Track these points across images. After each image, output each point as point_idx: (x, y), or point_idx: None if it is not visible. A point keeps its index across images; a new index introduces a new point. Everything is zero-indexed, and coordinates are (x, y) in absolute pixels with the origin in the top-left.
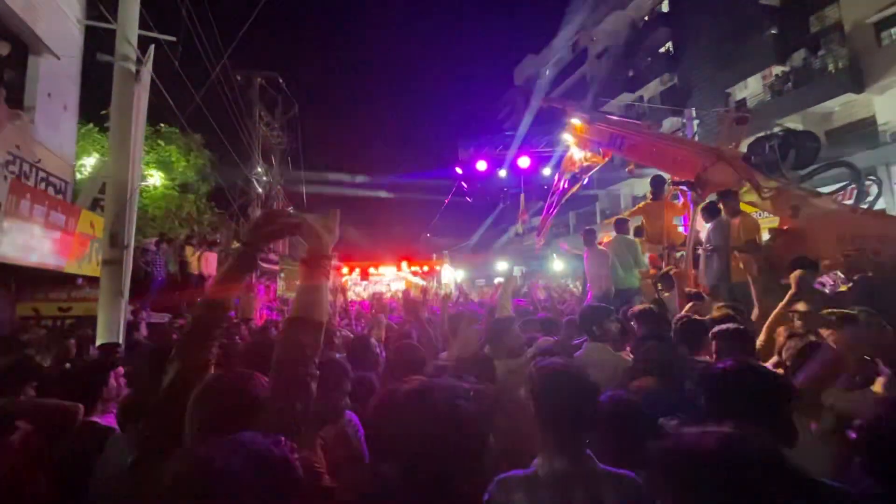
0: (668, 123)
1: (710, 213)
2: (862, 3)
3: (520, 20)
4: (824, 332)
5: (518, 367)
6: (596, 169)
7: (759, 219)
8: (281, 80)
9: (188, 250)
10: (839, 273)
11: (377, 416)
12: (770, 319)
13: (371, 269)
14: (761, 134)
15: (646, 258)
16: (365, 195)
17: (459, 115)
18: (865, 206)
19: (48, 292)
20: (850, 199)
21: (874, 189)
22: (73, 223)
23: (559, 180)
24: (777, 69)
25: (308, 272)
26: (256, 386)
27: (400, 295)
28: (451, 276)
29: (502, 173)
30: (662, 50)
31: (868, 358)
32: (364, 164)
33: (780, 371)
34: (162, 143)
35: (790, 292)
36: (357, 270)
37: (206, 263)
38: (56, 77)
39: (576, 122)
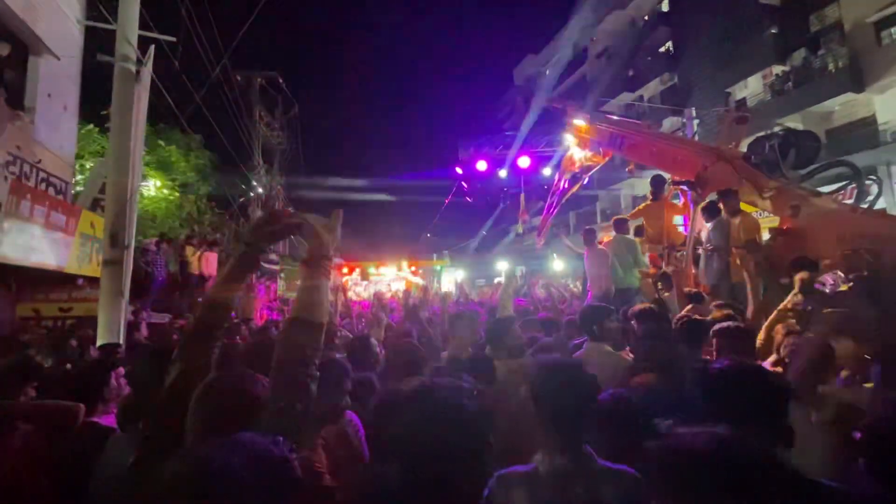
0: (669, 123)
1: (711, 212)
2: (862, 3)
3: (520, 20)
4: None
5: (518, 367)
6: (596, 169)
7: (760, 218)
8: (281, 80)
9: (188, 250)
10: (839, 273)
11: (378, 416)
12: (770, 319)
13: (371, 269)
14: (761, 133)
15: (646, 258)
16: (365, 199)
17: (459, 114)
18: (866, 206)
19: (49, 293)
20: (850, 198)
21: (874, 188)
22: (74, 223)
23: (559, 180)
24: (777, 69)
25: (308, 272)
26: (257, 386)
27: (400, 295)
28: (452, 276)
29: (502, 173)
30: (662, 49)
31: (868, 357)
32: (364, 164)
33: (780, 369)
34: (162, 143)
35: (792, 292)
36: (357, 270)
37: (207, 263)
38: (56, 77)
39: (576, 122)
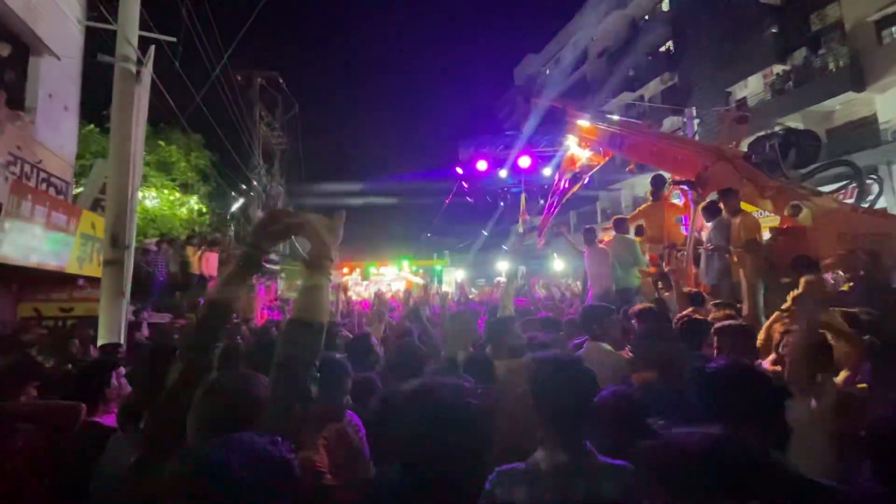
0: (669, 123)
1: (711, 212)
2: (863, 2)
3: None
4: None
5: (519, 366)
6: (596, 168)
7: (760, 218)
8: (281, 80)
9: (189, 250)
10: (840, 273)
11: (379, 415)
12: (771, 319)
13: (372, 269)
14: (762, 133)
15: (646, 258)
16: (366, 203)
17: (460, 114)
18: (866, 205)
19: (50, 293)
20: (850, 197)
21: (875, 188)
22: (75, 224)
23: (560, 180)
24: (778, 68)
25: (310, 273)
26: (258, 387)
27: (401, 294)
28: (452, 276)
29: (503, 173)
30: (663, 49)
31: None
32: (364, 164)
33: (779, 367)
34: (162, 143)
35: (794, 293)
36: (358, 270)
37: (207, 263)
38: (57, 78)
39: (577, 121)
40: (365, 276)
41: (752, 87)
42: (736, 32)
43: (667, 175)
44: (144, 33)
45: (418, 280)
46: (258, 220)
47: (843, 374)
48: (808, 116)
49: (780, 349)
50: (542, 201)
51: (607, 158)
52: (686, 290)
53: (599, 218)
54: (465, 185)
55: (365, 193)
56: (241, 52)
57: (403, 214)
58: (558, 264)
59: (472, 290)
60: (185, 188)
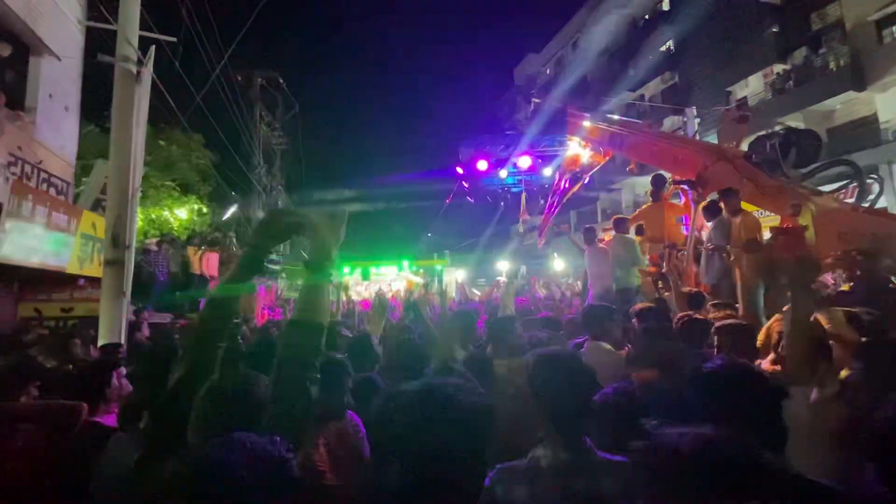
0: (669, 122)
1: (712, 211)
2: (863, 1)
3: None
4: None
5: (519, 366)
6: (597, 168)
7: (761, 217)
8: (281, 80)
9: (190, 250)
10: (840, 273)
11: (380, 415)
12: (772, 320)
13: (372, 269)
14: (762, 132)
15: (646, 258)
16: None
17: (460, 114)
18: (867, 205)
19: (50, 293)
20: (851, 197)
21: (875, 187)
22: (75, 224)
23: (560, 180)
24: (778, 67)
25: (310, 273)
26: (260, 387)
27: (401, 294)
28: (452, 275)
29: (503, 173)
30: (663, 48)
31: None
32: (365, 164)
33: (778, 367)
34: (163, 143)
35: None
36: (358, 270)
37: (208, 263)
38: (57, 78)
39: (577, 121)
40: (365, 276)
41: (752, 87)
42: (736, 32)
43: (667, 175)
44: (145, 33)
45: (419, 280)
46: (261, 219)
47: (844, 373)
48: (808, 116)
49: (779, 349)
50: (542, 201)
51: (607, 158)
52: (686, 290)
53: (600, 218)
54: (466, 185)
55: (362, 199)
56: (241, 52)
57: (404, 214)
58: (558, 264)
59: (475, 291)
60: (186, 188)
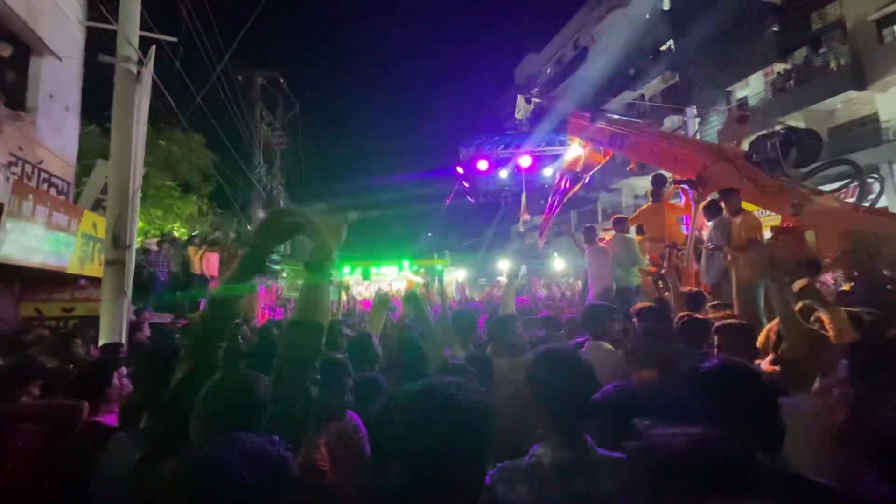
0: (670, 122)
1: (712, 211)
2: (863, 1)
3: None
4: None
5: (520, 365)
6: (597, 168)
7: (761, 217)
8: (282, 80)
9: (190, 250)
10: (840, 273)
11: (381, 415)
12: (771, 323)
13: (373, 268)
14: (763, 132)
15: (646, 258)
16: (367, 205)
17: (460, 114)
18: (868, 204)
19: (51, 293)
20: (852, 196)
21: (876, 187)
22: (76, 224)
23: (561, 180)
24: (779, 67)
25: (311, 274)
26: (261, 387)
27: (402, 294)
28: (453, 275)
29: (503, 173)
30: (663, 48)
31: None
32: (365, 164)
33: (777, 367)
34: (163, 143)
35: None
36: (359, 270)
37: (208, 263)
38: (58, 78)
39: (577, 121)
40: (365, 276)
41: (753, 86)
42: (737, 31)
43: (667, 174)
44: (145, 33)
45: (419, 280)
46: (262, 219)
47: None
48: (809, 115)
49: (778, 350)
50: (542, 201)
51: (608, 158)
52: (686, 290)
53: (600, 217)
54: (466, 185)
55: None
56: (241, 52)
57: (404, 214)
58: (559, 264)
59: (474, 292)
60: (187, 188)
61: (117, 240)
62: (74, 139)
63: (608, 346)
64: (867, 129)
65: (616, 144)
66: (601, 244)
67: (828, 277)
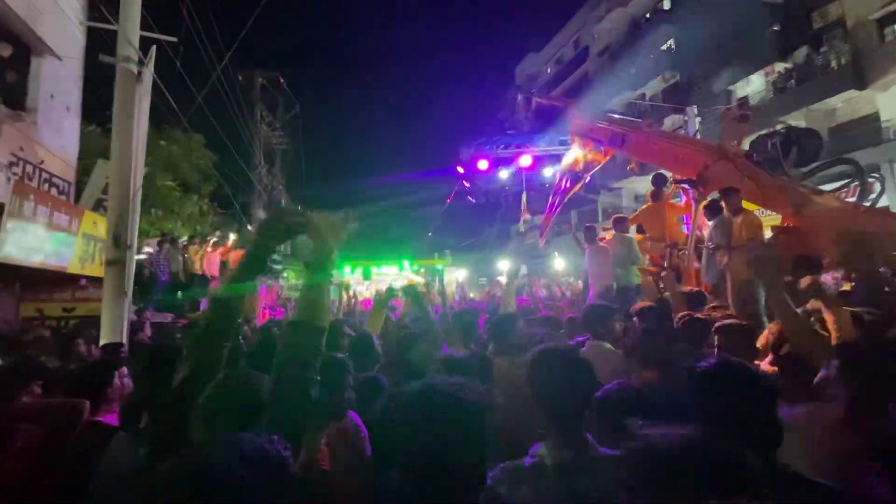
0: (670, 121)
1: (712, 210)
2: (864, 0)
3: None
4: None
5: (521, 364)
6: (598, 168)
7: (762, 216)
8: (282, 80)
9: (191, 250)
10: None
11: (381, 415)
12: (772, 324)
13: (373, 269)
14: (764, 131)
15: (646, 258)
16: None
17: (461, 113)
18: (868, 204)
19: (52, 293)
20: (852, 196)
21: (877, 186)
22: (77, 224)
23: (561, 179)
24: (779, 66)
25: (311, 274)
26: (265, 387)
27: (402, 293)
28: (453, 275)
29: (504, 172)
30: (664, 47)
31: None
32: (365, 164)
33: (776, 368)
34: (163, 143)
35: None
36: (359, 269)
37: (209, 263)
38: (58, 78)
39: (578, 120)
40: (366, 276)
41: (753, 85)
42: (737, 30)
43: (668, 174)
44: (146, 33)
45: (420, 279)
46: (264, 218)
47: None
48: (810, 114)
49: (780, 351)
50: (543, 201)
51: (608, 157)
52: (686, 289)
53: (600, 217)
54: (467, 185)
55: (363, 199)
56: (242, 52)
57: (404, 214)
58: (559, 263)
59: (474, 293)
60: (187, 188)
61: (118, 240)
62: (75, 139)
63: (608, 345)
64: (868, 129)
65: (616, 144)
66: (601, 244)
67: (828, 277)
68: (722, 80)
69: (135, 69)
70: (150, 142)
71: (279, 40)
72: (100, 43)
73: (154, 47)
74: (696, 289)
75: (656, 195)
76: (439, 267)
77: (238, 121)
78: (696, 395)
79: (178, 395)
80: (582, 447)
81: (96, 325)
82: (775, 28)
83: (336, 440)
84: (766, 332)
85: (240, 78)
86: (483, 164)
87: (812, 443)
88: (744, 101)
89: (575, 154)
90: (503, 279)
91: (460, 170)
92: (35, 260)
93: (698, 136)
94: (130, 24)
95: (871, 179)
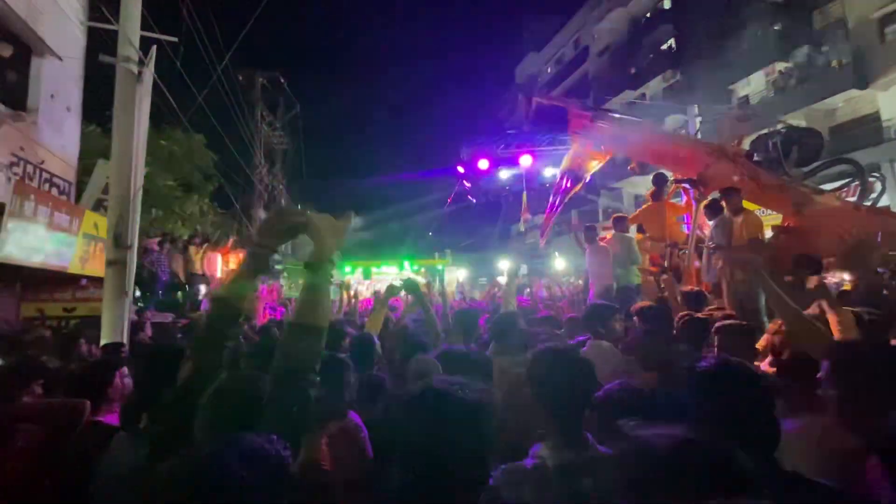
0: (671, 121)
1: (713, 210)
2: None
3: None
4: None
5: (523, 363)
6: (598, 167)
7: (763, 216)
8: (282, 80)
9: (191, 250)
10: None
11: (382, 414)
12: (774, 326)
13: (374, 268)
14: (764, 131)
15: (646, 258)
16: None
17: (461, 113)
18: (869, 203)
19: (53, 293)
20: (853, 196)
21: (878, 186)
22: (77, 224)
23: (562, 179)
24: (780, 65)
25: (311, 274)
26: (267, 388)
27: (403, 294)
28: (454, 274)
29: (504, 172)
30: (664, 47)
31: None
32: (365, 164)
33: (774, 369)
34: (164, 143)
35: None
36: (360, 269)
37: (209, 263)
38: (59, 78)
39: (578, 120)
40: (366, 276)
41: (754, 85)
42: (738, 30)
43: (668, 173)
44: (146, 33)
45: (421, 279)
46: (266, 218)
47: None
48: (810, 114)
49: (782, 353)
50: (543, 200)
51: (609, 157)
52: (687, 288)
53: (601, 217)
54: (467, 185)
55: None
56: (242, 52)
57: (405, 213)
58: (559, 263)
59: (475, 292)
60: (188, 188)
61: (119, 240)
62: (75, 139)
63: (609, 345)
64: (868, 128)
65: (617, 143)
66: (602, 243)
67: (828, 278)
68: (722, 79)
69: (135, 69)
70: (151, 142)
71: (280, 40)
72: (100, 43)
73: (154, 47)
74: (696, 288)
75: (656, 195)
76: (439, 266)
77: (238, 121)
78: (696, 395)
79: (180, 395)
80: (582, 447)
81: (97, 326)
82: (776, 27)
83: (337, 440)
84: (766, 333)
85: (240, 78)
86: (483, 164)
87: (812, 444)
88: (744, 100)
89: (575, 153)
90: (503, 279)
91: (461, 169)
92: (36, 260)
93: (699, 136)
94: (131, 24)
95: (871, 179)
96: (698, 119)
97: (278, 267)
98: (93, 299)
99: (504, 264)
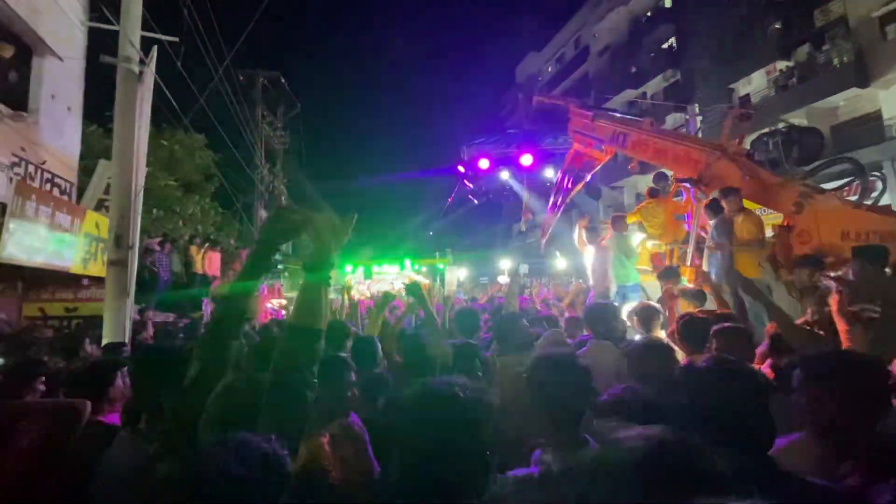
0: (672, 120)
1: (713, 209)
2: None
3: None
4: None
5: (526, 362)
6: (599, 167)
7: (763, 215)
8: (283, 79)
9: (192, 250)
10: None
11: (383, 415)
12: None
13: (374, 267)
14: (765, 130)
15: (647, 255)
16: (368, 203)
17: (462, 113)
18: (870, 202)
19: (54, 293)
20: (854, 195)
21: (879, 185)
22: (79, 224)
23: (563, 178)
24: (781, 64)
25: (309, 275)
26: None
27: (403, 294)
28: (454, 274)
29: (505, 172)
30: (665, 46)
31: None
32: (366, 164)
33: (772, 375)
34: (165, 142)
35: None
36: (360, 269)
37: (210, 263)
38: (60, 79)
39: (579, 119)
40: (367, 275)
41: (755, 84)
42: (739, 28)
43: (669, 172)
44: (147, 34)
45: (421, 279)
46: (268, 217)
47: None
48: (811, 113)
49: (775, 353)
50: (544, 200)
51: (609, 156)
52: (687, 288)
53: (602, 216)
54: (468, 184)
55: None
56: (243, 52)
57: (405, 213)
58: (560, 263)
59: (476, 291)
60: (189, 188)
61: (120, 240)
62: (77, 139)
63: (610, 344)
64: (870, 127)
65: (617, 142)
66: (602, 243)
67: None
68: (723, 78)
69: (136, 69)
70: (152, 141)
71: (280, 40)
72: (101, 43)
73: (155, 47)
74: (696, 289)
75: (655, 193)
76: (440, 266)
77: (239, 120)
78: (692, 394)
79: (186, 395)
80: (584, 451)
81: (99, 325)
82: (777, 26)
83: (337, 440)
84: (766, 338)
85: (241, 77)
86: (484, 164)
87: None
88: (745, 99)
89: (576, 153)
90: (503, 279)
91: (461, 169)
92: (37, 260)
93: (699, 135)
94: (132, 24)
95: (872, 178)
96: (699, 118)
97: (279, 266)
98: (94, 299)
99: (505, 264)
